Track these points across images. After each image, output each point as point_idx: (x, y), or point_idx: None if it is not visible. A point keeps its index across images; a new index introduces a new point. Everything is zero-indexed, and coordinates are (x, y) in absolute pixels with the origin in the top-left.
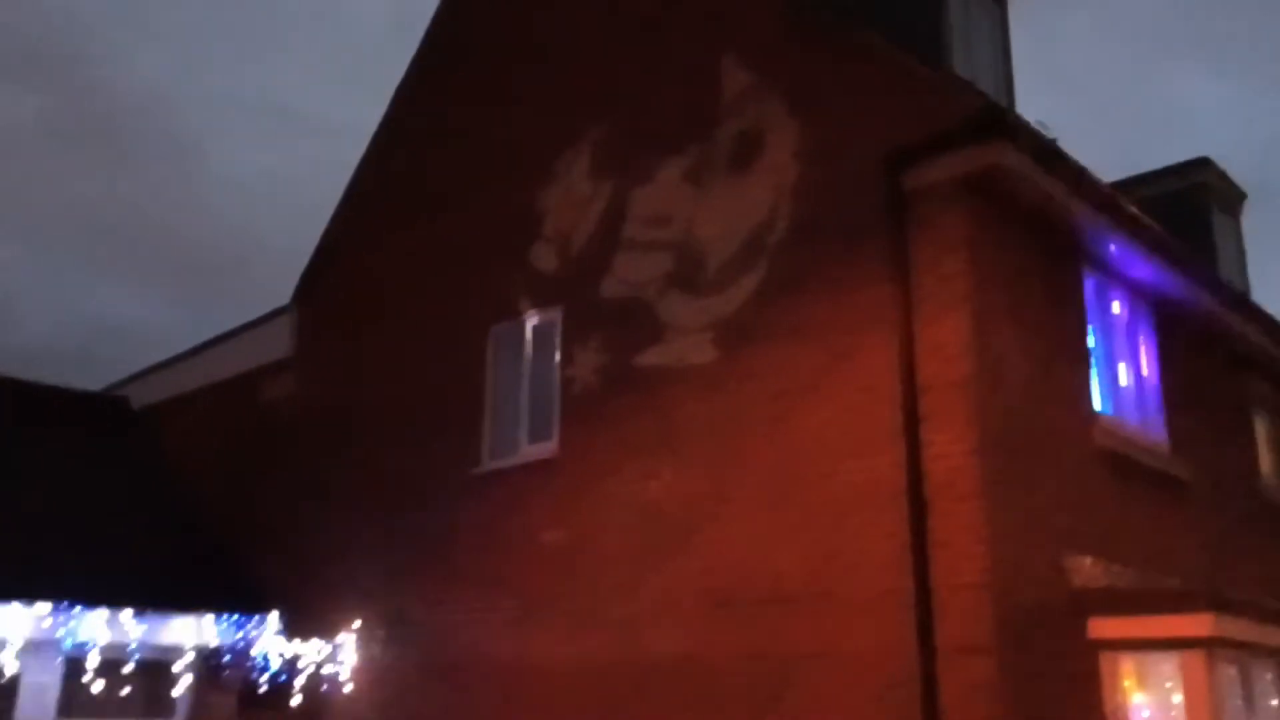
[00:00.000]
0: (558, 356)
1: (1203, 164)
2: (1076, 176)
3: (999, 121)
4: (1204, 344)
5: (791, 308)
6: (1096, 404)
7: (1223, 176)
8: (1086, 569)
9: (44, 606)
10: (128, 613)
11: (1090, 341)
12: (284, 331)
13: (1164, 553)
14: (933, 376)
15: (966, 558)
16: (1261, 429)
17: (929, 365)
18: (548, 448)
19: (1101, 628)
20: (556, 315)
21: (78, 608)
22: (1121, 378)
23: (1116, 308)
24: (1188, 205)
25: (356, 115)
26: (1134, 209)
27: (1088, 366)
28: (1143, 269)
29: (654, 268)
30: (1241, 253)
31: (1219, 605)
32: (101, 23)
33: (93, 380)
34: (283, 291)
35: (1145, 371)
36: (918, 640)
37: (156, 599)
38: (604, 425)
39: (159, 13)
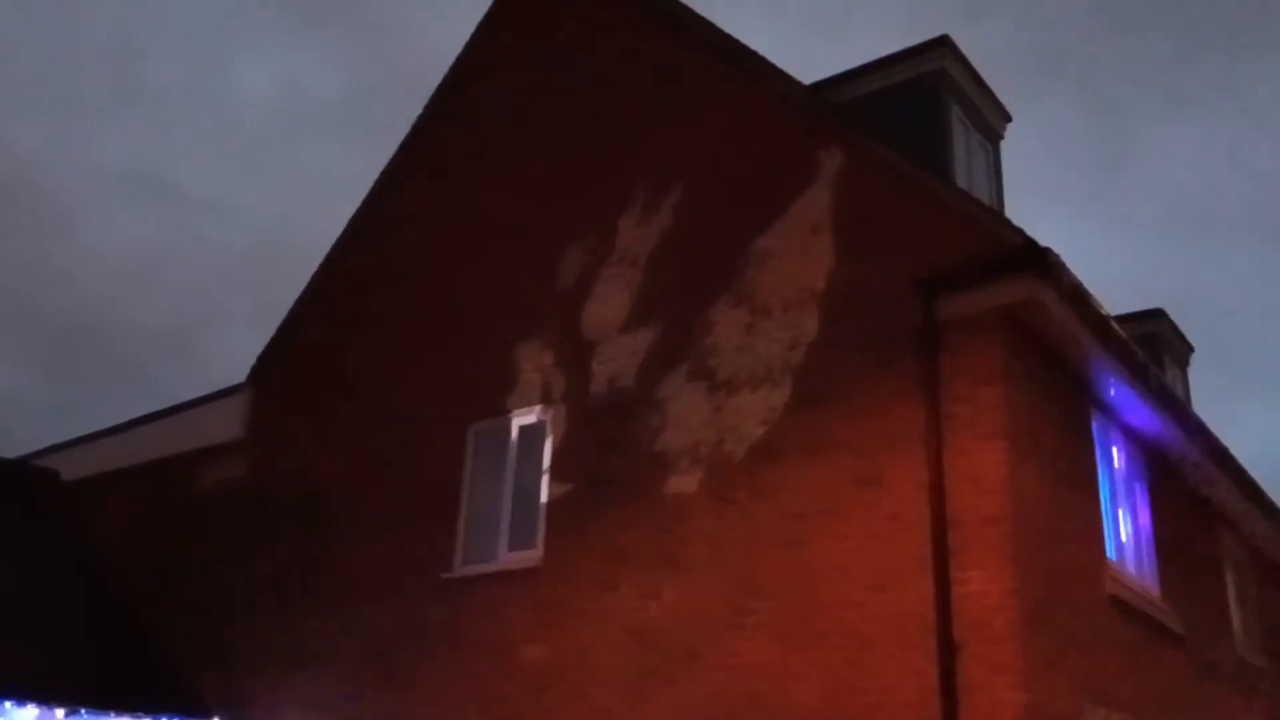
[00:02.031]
0: (547, 459)
1: (1156, 315)
2: (1101, 320)
3: (1040, 258)
4: (1188, 496)
5: (812, 425)
6: (1106, 548)
7: (1174, 329)
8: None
9: None
10: (60, 713)
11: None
12: (229, 413)
13: (1167, 708)
14: (965, 510)
15: (1000, 704)
16: (1232, 585)
17: (961, 498)
18: (531, 556)
19: None
20: (547, 415)
21: (7, 704)
22: (1122, 524)
23: (1116, 451)
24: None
25: (231, 192)
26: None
27: (1099, 509)
28: (1144, 416)
29: None
30: (1189, 404)
31: None
32: None
33: None
34: (155, 366)
35: (1140, 519)
36: None
37: (89, 697)
38: (596, 535)
39: (25, 83)
